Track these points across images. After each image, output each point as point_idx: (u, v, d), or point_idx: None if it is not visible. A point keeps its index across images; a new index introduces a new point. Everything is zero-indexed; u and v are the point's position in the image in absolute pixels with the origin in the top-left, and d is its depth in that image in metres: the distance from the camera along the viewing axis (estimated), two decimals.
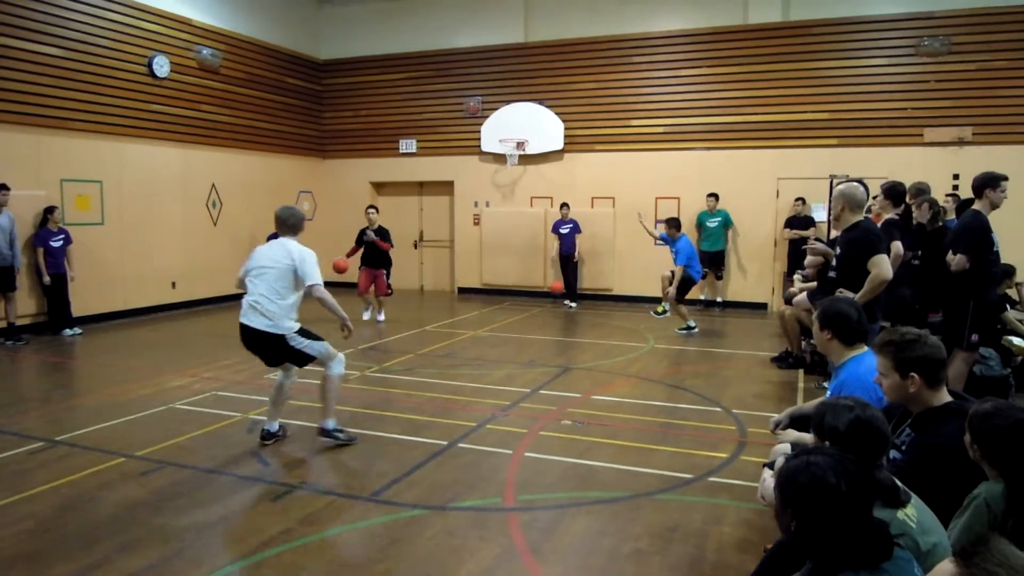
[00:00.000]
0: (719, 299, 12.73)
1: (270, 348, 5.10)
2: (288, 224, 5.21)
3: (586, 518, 4.10)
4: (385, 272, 11.02)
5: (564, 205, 13.07)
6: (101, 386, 7.19)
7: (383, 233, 10.97)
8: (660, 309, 11.58)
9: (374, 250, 10.88)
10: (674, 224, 10.35)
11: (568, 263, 13.01)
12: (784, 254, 12.15)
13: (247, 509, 4.23)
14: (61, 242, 9.79)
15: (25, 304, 9.72)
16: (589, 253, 13.52)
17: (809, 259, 7.17)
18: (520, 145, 13.58)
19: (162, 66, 11.71)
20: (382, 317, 11.05)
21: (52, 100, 10.12)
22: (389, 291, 11.12)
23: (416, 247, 15.50)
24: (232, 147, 13.33)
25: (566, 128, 13.55)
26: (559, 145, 13.58)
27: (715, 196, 12.40)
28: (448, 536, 3.87)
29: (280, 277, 5.02)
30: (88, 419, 5.96)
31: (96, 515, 4.11)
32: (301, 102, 15.11)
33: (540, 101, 13.73)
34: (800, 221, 11.75)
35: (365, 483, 4.60)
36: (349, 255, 10.79)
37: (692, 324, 10.21)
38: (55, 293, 9.81)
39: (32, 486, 4.54)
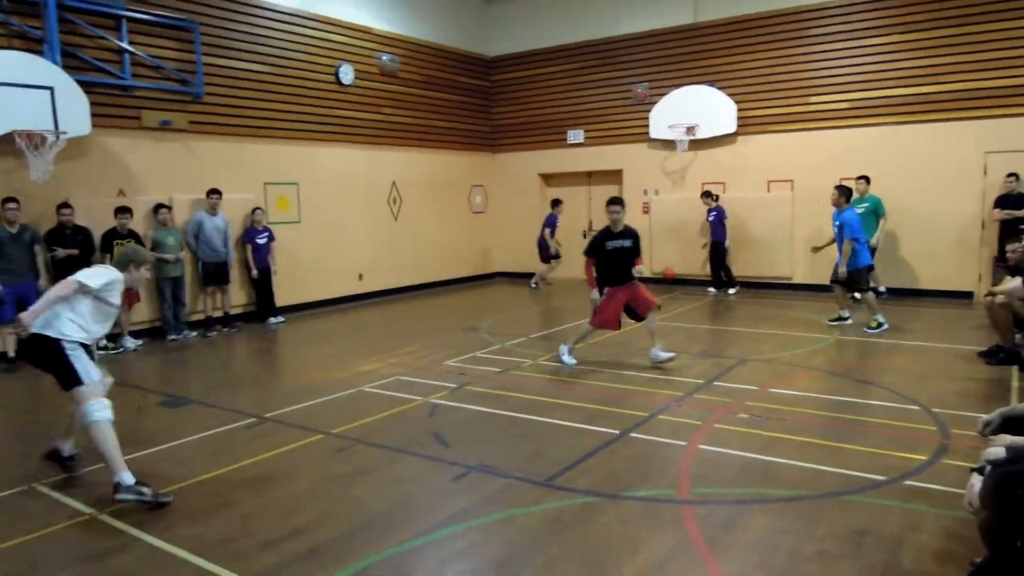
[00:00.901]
0: (882, 287, 11.48)
1: None
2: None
3: (766, 515, 3.95)
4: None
5: (707, 194, 12.65)
6: (301, 369, 7.90)
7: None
8: (838, 316, 9.61)
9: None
10: (844, 193, 9.10)
11: (717, 249, 12.66)
12: (994, 237, 10.88)
13: (430, 487, 4.49)
14: (266, 239, 10.85)
15: (237, 295, 10.89)
16: (760, 240, 12.91)
17: (1011, 245, 6.40)
18: (690, 130, 13.21)
19: (347, 74, 12.60)
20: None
21: (255, 111, 11.22)
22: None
23: (585, 236, 15.58)
24: (410, 146, 14.08)
25: (739, 109, 12.99)
26: (732, 128, 13.05)
27: (866, 179, 11.29)
28: (622, 524, 3.88)
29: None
30: (291, 399, 6.58)
31: (298, 486, 4.54)
32: (472, 99, 15.65)
33: (711, 83, 13.26)
34: (1013, 200, 10.47)
35: (540, 468, 4.72)
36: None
37: (845, 314, 9.40)
38: (261, 285, 10.92)
39: (246, 456, 5.09)
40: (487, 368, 7.57)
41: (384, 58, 13.27)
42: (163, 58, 10.06)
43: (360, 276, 13.12)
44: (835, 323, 9.44)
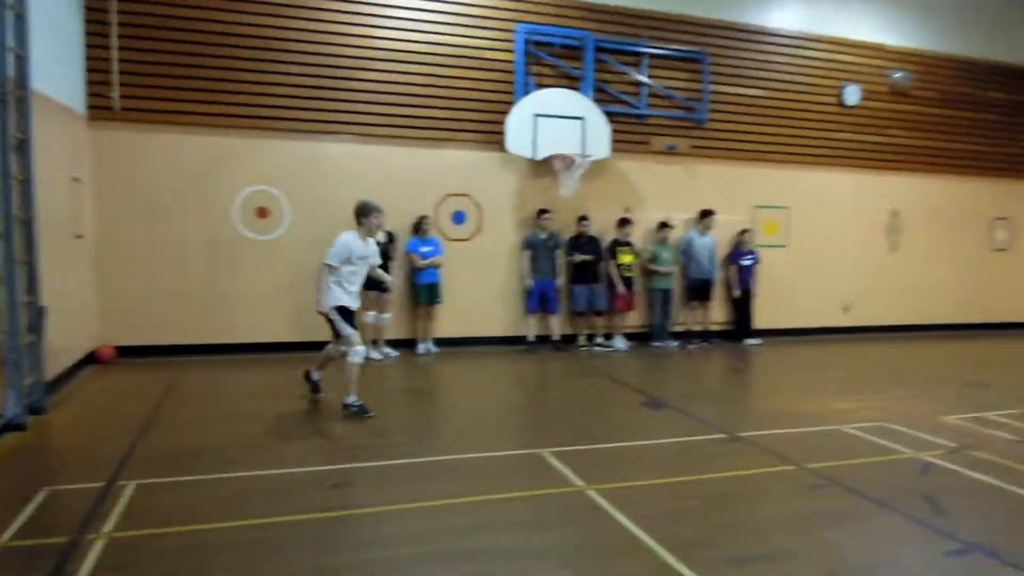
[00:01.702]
0: None
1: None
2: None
3: None
4: None
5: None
6: (773, 394, 7.77)
7: None
8: None
9: None
10: None
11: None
12: None
13: (918, 554, 3.96)
14: (751, 261, 10.95)
15: (717, 312, 11.22)
16: None
17: None
18: None
19: (852, 95, 11.91)
20: None
21: (752, 136, 11.38)
22: None
23: None
24: (916, 171, 12.65)
25: None
26: None
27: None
28: None
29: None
30: (763, 422, 6.50)
31: (764, 512, 4.46)
32: (999, 116, 13.29)
33: None
34: None
35: None
36: None
37: None
38: (741, 306, 11.06)
39: (713, 470, 5.20)
40: (999, 433, 6.37)
41: (896, 75, 12.17)
42: (674, 88, 10.90)
43: (845, 309, 12.25)
44: None
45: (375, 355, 9.13)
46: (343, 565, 3.65)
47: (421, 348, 9.63)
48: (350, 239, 6.39)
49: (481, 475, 5.03)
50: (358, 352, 6.40)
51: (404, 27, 9.60)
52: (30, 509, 4.25)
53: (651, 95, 10.81)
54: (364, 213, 6.44)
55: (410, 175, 9.71)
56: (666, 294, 10.59)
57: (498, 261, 10.18)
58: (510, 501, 4.55)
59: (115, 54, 8.53)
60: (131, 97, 8.66)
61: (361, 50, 9.45)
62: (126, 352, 8.72)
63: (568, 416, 6.85)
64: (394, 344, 9.49)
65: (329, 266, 6.31)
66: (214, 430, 6.13)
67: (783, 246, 11.71)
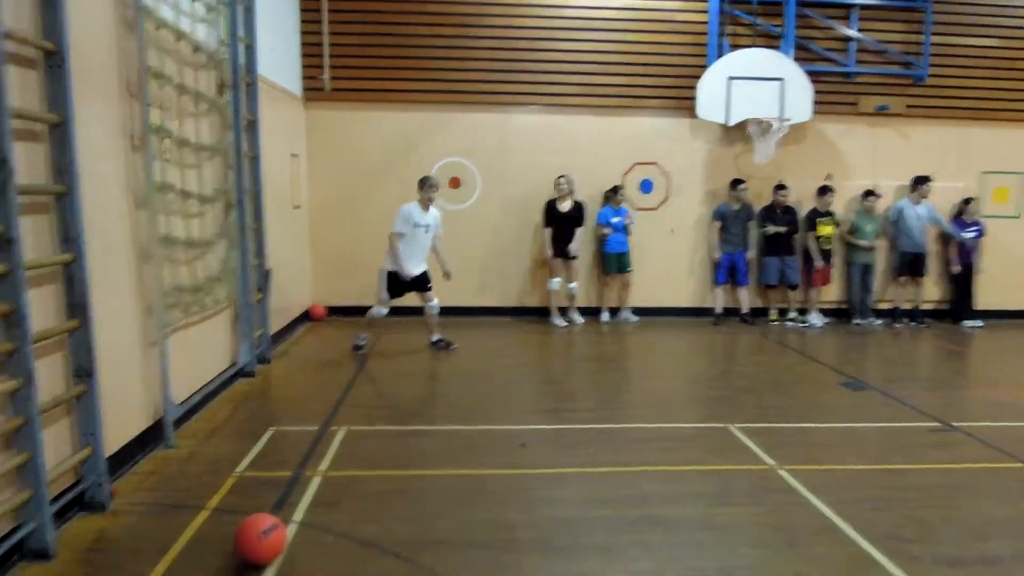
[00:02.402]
0: None
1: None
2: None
3: None
4: None
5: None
6: (997, 383, 6.94)
7: None
8: None
9: None
10: None
11: None
12: None
13: None
14: (975, 234, 9.78)
15: (930, 290, 10.17)
16: None
17: None
18: None
19: None
20: None
21: (980, 92, 10.06)
22: None
23: None
24: None
25: None
26: None
27: None
28: None
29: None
30: (984, 413, 5.86)
31: (985, 511, 4.02)
32: None
33: None
34: None
35: None
36: None
37: None
38: (961, 284, 9.93)
39: (923, 461, 4.77)
40: None
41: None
42: (889, 42, 9.90)
43: None
44: None
45: (559, 322, 9.29)
46: (520, 523, 3.78)
47: (605, 316, 9.63)
48: (412, 208, 7.28)
49: (668, 445, 4.98)
50: (379, 310, 7.43)
51: None
52: (260, 445, 4.83)
53: (861, 51, 9.89)
54: (421, 186, 7.30)
55: (598, 144, 9.67)
56: (867, 268, 9.74)
57: (685, 231, 9.92)
58: (699, 474, 4.48)
59: (326, 39, 9.23)
60: (339, 78, 9.35)
61: (551, 20, 9.49)
62: (335, 312, 9.54)
63: (758, 392, 6.57)
64: (580, 312, 9.58)
65: (396, 233, 7.22)
66: (413, 386, 6.58)
67: (1015, 217, 10.32)
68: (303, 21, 9.19)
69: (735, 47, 9.54)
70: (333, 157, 9.44)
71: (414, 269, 7.36)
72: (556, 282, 9.21)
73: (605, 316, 9.65)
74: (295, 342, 8.23)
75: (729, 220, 9.47)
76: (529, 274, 9.84)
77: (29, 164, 3.34)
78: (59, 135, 3.48)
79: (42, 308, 3.43)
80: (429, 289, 7.55)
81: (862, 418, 5.68)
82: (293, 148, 8.74)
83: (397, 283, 7.39)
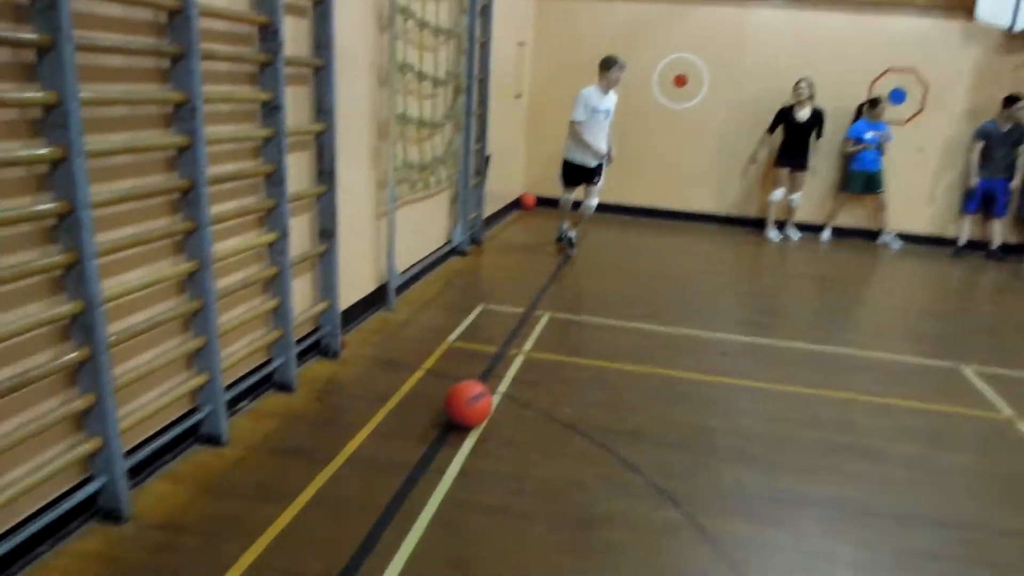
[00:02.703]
0: None
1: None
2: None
3: None
4: None
5: None
6: None
7: None
8: None
9: None
10: None
11: None
12: None
13: None
14: None
15: None
16: None
17: None
18: None
19: None
20: None
21: None
22: None
23: None
24: None
25: None
26: None
27: None
28: None
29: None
30: None
31: None
32: None
33: None
34: None
35: None
36: None
37: None
38: None
39: None
40: None
41: None
42: None
43: None
44: None
45: (772, 235, 8.79)
46: (720, 429, 3.74)
47: (826, 235, 8.92)
48: (590, 93, 6.59)
49: (885, 376, 4.64)
50: (566, 199, 7.16)
51: None
52: (469, 319, 5.14)
53: None
54: (606, 67, 6.54)
55: (845, 45, 8.66)
56: None
57: (935, 150, 8.77)
58: (919, 412, 4.13)
59: None
60: None
61: None
62: (543, 203, 9.69)
63: (1002, 335, 5.84)
64: (804, 228, 8.98)
65: (576, 122, 6.63)
66: (616, 282, 6.61)
67: None
68: None
69: None
70: (558, 48, 9.32)
71: (591, 160, 6.88)
72: (779, 193, 8.64)
73: (826, 235, 8.94)
74: (505, 228, 8.51)
75: (995, 141, 8.19)
76: (748, 182, 9.30)
77: (293, 38, 3.62)
78: (321, 11, 3.72)
79: (296, 172, 3.80)
80: (596, 184, 7.04)
81: None
82: (520, 36, 8.73)
83: (574, 172, 7.00)
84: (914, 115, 8.69)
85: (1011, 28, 7.98)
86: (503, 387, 4.04)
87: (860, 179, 8.58)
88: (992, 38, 8.34)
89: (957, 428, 3.96)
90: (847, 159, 8.70)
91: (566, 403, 3.89)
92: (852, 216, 9.05)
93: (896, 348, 5.22)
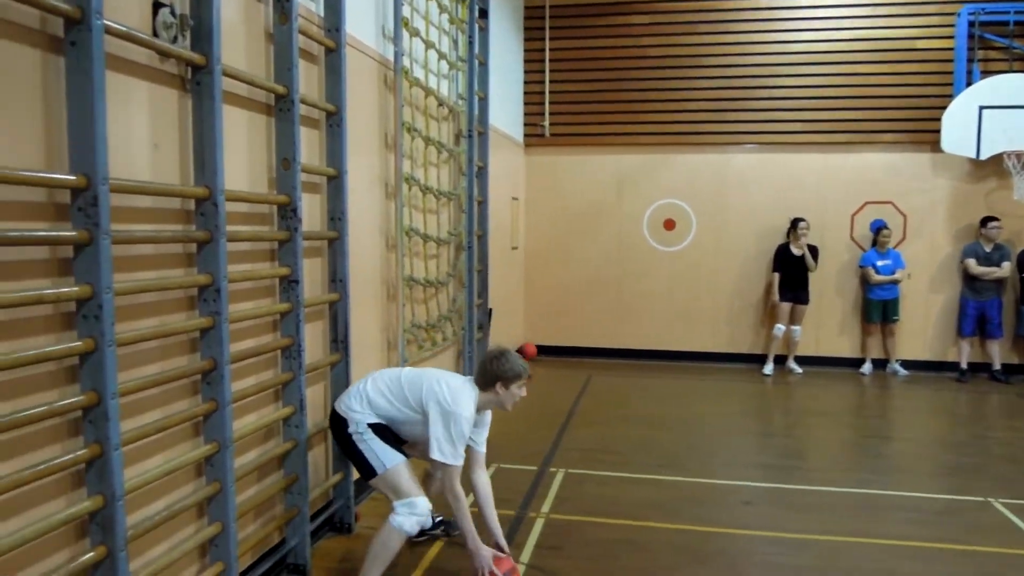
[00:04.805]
0: None
1: None
2: None
3: None
4: None
5: None
6: None
7: None
8: None
9: None
10: None
11: None
12: None
13: None
14: None
15: None
16: None
17: None
18: None
19: None
20: None
21: None
22: None
23: None
24: None
25: None
26: None
27: None
28: None
29: None
30: None
31: None
32: None
33: None
34: None
35: None
36: None
37: None
38: None
39: None
40: None
41: None
42: None
43: None
44: None
45: (768, 370, 8.82)
46: None
47: (867, 368, 8.90)
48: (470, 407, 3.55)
49: (916, 517, 4.48)
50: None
51: (824, 27, 9.02)
52: None
53: None
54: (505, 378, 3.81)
55: (823, 182, 9.11)
56: None
57: (927, 273, 8.99)
58: (959, 554, 3.96)
59: (547, 87, 9.60)
60: (557, 124, 9.64)
61: (774, 56, 9.14)
62: (544, 351, 9.72)
63: (1022, 462, 5.73)
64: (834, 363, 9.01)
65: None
66: (628, 431, 6.49)
67: None
68: (526, 71, 9.62)
69: (986, 73, 8.60)
70: (549, 200, 9.72)
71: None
72: (781, 328, 8.75)
73: (867, 367, 8.93)
74: None
75: (982, 262, 8.44)
76: (741, 319, 9.43)
77: (308, 212, 3.75)
78: (335, 186, 3.89)
79: (311, 342, 3.81)
80: None
81: None
82: (513, 192, 9.11)
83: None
84: (898, 244, 8.97)
85: (977, 157, 8.41)
86: (526, 556, 3.86)
87: (878, 308, 8.74)
88: (960, 167, 8.80)
89: (1004, 572, 3.78)
90: (864, 289, 8.91)
91: (597, 571, 3.71)
92: (836, 345, 9.15)
93: (923, 485, 5.09)
